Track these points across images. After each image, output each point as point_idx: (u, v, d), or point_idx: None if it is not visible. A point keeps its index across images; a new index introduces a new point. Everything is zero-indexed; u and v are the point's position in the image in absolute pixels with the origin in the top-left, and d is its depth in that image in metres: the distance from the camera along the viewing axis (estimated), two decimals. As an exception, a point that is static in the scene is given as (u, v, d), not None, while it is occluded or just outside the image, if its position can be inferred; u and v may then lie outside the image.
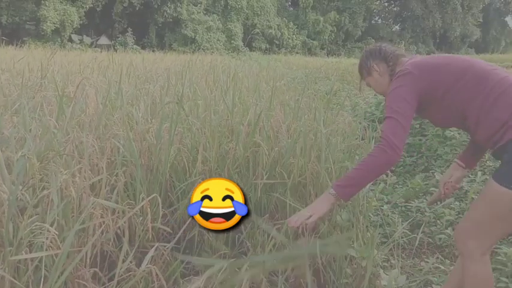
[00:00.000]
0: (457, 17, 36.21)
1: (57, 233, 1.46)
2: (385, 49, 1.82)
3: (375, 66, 1.82)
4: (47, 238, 1.44)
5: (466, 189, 2.88)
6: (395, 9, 40.52)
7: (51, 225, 1.52)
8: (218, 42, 26.53)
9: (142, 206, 1.78)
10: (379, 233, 2.58)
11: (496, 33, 42.71)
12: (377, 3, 38.26)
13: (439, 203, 2.70)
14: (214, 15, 27.36)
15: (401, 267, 2.27)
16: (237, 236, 2.20)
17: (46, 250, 1.43)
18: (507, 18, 45.37)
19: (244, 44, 27.75)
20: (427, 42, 36.83)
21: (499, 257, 2.12)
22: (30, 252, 1.45)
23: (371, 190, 3.11)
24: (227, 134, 2.78)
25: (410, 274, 2.24)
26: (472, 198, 2.75)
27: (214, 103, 3.37)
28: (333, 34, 32.39)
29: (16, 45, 13.86)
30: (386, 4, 41.43)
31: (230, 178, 2.27)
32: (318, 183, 2.46)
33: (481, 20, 39.18)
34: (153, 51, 18.22)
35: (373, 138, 3.73)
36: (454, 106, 1.57)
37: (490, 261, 1.59)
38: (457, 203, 2.81)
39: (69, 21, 22.11)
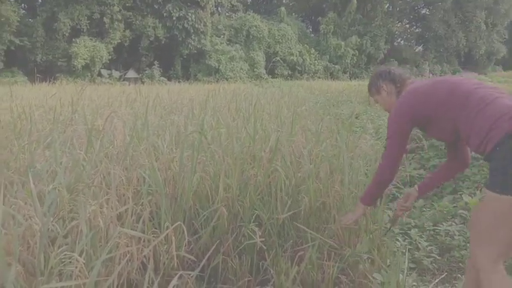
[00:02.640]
0: (481, 35, 35.72)
1: (85, 262, 1.51)
2: (394, 72, 2.06)
3: (384, 86, 2.05)
4: (75, 267, 1.50)
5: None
6: (417, 30, 40.42)
7: (80, 255, 1.57)
8: (241, 70, 27.03)
9: (167, 234, 1.83)
10: (408, 258, 2.51)
11: (523, 49, 41.80)
12: (398, 25, 38.30)
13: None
14: (237, 45, 27.99)
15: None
16: (260, 263, 2.20)
17: (75, 279, 1.48)
18: (535, 34, 44.46)
19: (266, 71, 28.17)
20: (452, 61, 36.34)
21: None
22: (60, 281, 1.50)
23: (397, 214, 3.06)
24: (249, 161, 2.82)
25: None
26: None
27: (237, 131, 3.43)
28: (354, 58, 32.46)
29: (49, 82, 14.56)
30: (407, 26, 41.42)
31: (252, 205, 2.29)
32: (342, 207, 2.45)
33: (506, 37, 38.51)
34: (179, 82, 18.77)
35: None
36: (447, 123, 1.76)
37: (503, 270, 1.59)
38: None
39: (98, 56, 23.11)
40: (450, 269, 2.48)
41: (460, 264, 2.52)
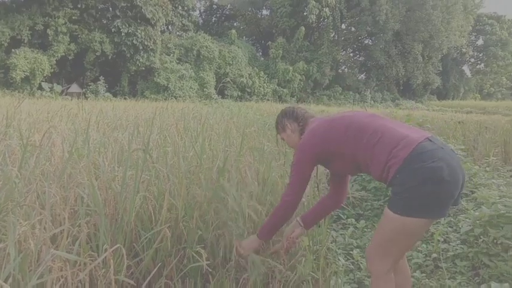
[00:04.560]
0: (418, 66, 38.29)
1: (11, 288, 1.39)
2: (297, 111, 2.20)
3: (288, 125, 2.19)
4: (-1, 295, 1.37)
5: (432, 231, 2.94)
6: (360, 59, 42.58)
7: (6, 281, 1.44)
8: (191, 90, 26.87)
9: (105, 257, 1.73)
10: (350, 279, 2.56)
11: (455, 81, 45.24)
12: (343, 53, 40.12)
13: None
14: (187, 64, 27.88)
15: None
16: (205, 286, 2.14)
17: (-2, 308, 1.35)
18: (464, 67, 48.47)
19: (216, 92, 28.24)
20: (392, 89, 38.57)
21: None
22: (-20, 310, 1.36)
23: (340, 235, 3.13)
24: (196, 180, 2.77)
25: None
26: (438, 240, 2.81)
27: (184, 149, 3.37)
28: (302, 82, 33.47)
29: (-18, 94, 13.58)
30: (351, 54, 43.55)
31: (197, 225, 2.24)
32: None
33: (440, 69, 41.58)
34: (125, 98, 18.27)
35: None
36: (347, 158, 1.86)
37: (393, 279, 1.82)
38: (424, 245, 2.85)
39: (39, 69, 21.96)
40: (390, 288, 2.55)
41: (399, 283, 2.60)
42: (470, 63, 49.65)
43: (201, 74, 28.04)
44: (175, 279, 2.09)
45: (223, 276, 2.12)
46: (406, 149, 1.65)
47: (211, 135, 4.36)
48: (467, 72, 49.04)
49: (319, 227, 2.75)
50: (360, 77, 40.78)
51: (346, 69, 41.67)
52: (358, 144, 1.79)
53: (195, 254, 2.10)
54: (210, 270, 2.11)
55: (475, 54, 48.94)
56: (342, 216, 3.55)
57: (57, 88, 23.31)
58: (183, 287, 2.06)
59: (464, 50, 44.56)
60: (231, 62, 29.86)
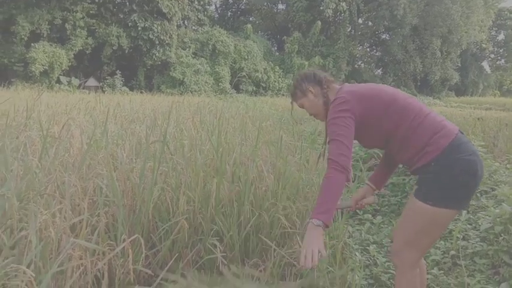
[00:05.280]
0: (436, 62, 37.63)
1: (33, 275, 1.41)
2: (319, 74, 1.98)
3: (310, 89, 1.96)
4: (22, 281, 1.39)
5: (451, 228, 2.89)
6: (377, 54, 42.03)
7: (28, 267, 1.47)
8: (206, 84, 26.94)
9: (124, 247, 1.75)
10: (367, 274, 2.54)
11: (474, 77, 44.37)
12: (359, 48, 39.68)
13: None
14: (203, 58, 27.93)
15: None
16: (219, 279, 2.15)
17: (20, 294, 1.38)
18: (483, 63, 47.47)
19: (231, 86, 28.25)
20: (409, 85, 38.01)
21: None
22: (4, 296, 1.39)
23: (357, 230, 3.11)
24: (212, 173, 2.78)
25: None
26: (457, 237, 2.76)
27: (200, 143, 3.39)
28: (318, 77, 33.24)
29: (3, 87, 13.86)
30: (368, 49, 43.01)
31: (213, 219, 2.24)
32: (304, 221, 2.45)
33: (459, 65, 40.80)
34: (141, 92, 18.41)
35: (358, 177, 3.77)
36: (380, 131, 1.78)
37: (418, 275, 1.77)
38: (442, 242, 2.81)
39: (58, 63, 22.28)
40: (407, 285, 2.52)
41: (416, 280, 2.57)
42: (490, 58, 48.60)
43: (217, 69, 28.06)
44: (191, 270, 2.11)
45: (239, 269, 2.13)
46: (446, 138, 1.64)
47: (227, 129, 4.37)
48: (487, 68, 48.02)
49: (335, 222, 2.73)
50: (376, 72, 40.29)
51: (362, 65, 41.22)
52: (401, 123, 1.71)
53: (210, 246, 2.10)
54: (226, 262, 2.12)
55: (495, 49, 47.85)
56: (358, 211, 3.52)
57: (75, 82, 23.62)
58: (200, 279, 2.07)
59: (484, 45, 43.56)
60: (246, 57, 29.80)
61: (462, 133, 1.71)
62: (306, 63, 32.19)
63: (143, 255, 1.85)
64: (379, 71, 40.69)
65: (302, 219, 2.50)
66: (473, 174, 1.62)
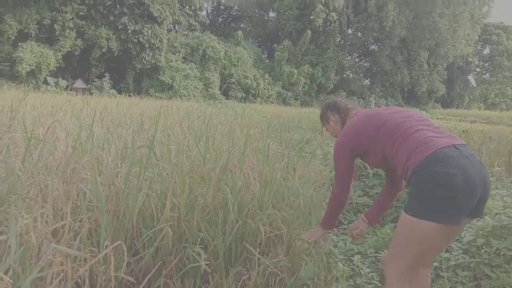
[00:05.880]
0: (423, 74, 38.18)
1: (11, 281, 1.38)
2: (339, 103, 2.31)
3: (331, 117, 2.31)
4: (-1, 287, 1.36)
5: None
6: (365, 64, 42.48)
7: (6, 273, 1.44)
8: (195, 89, 26.87)
9: (106, 253, 1.72)
10: (350, 285, 2.55)
11: (460, 90, 45.11)
12: (348, 58, 40.07)
13: None
14: (192, 63, 27.90)
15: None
16: (203, 286, 2.13)
17: (-3, 300, 1.34)
18: (469, 77, 48.31)
19: (221, 92, 28.24)
20: (396, 96, 38.46)
21: None
22: (-20, 302, 1.35)
23: (342, 240, 3.11)
24: (198, 180, 2.76)
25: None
26: (440, 249, 2.78)
27: (188, 148, 3.37)
28: (306, 86, 33.42)
29: (-12, 86, 13.61)
30: (357, 60, 43.46)
31: (198, 226, 2.23)
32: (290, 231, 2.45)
33: (445, 77, 41.46)
34: (130, 96, 18.28)
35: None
36: (376, 154, 1.96)
37: (407, 284, 1.81)
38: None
39: (45, 63, 21.99)
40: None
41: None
42: (475, 72, 49.50)
43: (206, 74, 28.05)
44: (174, 279, 2.08)
45: (223, 277, 2.11)
46: (424, 152, 1.71)
47: (215, 135, 4.35)
48: (473, 82, 48.89)
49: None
50: (364, 83, 40.70)
51: (351, 74, 41.58)
52: (387, 143, 1.89)
53: (194, 255, 2.08)
54: (210, 271, 2.10)
55: (481, 63, 48.80)
56: (343, 221, 3.53)
57: (62, 83, 23.35)
58: (182, 287, 2.05)
59: (470, 59, 44.38)
60: (236, 63, 29.87)
61: (457, 148, 1.70)
62: (295, 71, 32.40)
63: (125, 262, 1.82)
64: (367, 81, 41.13)
65: (287, 227, 2.50)
66: (449, 187, 1.61)
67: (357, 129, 2.04)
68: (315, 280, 2.20)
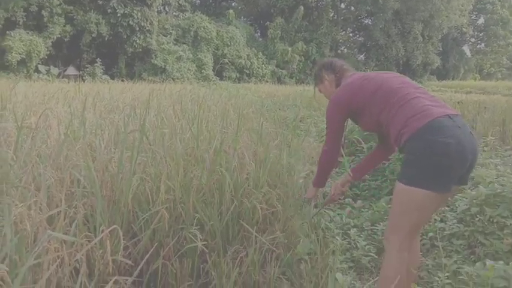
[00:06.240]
0: (418, 46, 37.93)
1: (7, 269, 1.39)
2: (335, 62, 2.28)
3: (325, 76, 2.27)
4: (-5, 275, 1.37)
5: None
6: (360, 39, 42.11)
7: (3, 261, 1.45)
8: (188, 71, 26.65)
9: (102, 238, 1.73)
10: (347, 258, 2.59)
11: (455, 61, 44.92)
12: (342, 33, 39.70)
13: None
14: (184, 45, 27.57)
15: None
16: (201, 266, 2.16)
17: (-5, 288, 1.36)
18: (464, 47, 48.03)
19: (214, 73, 28.02)
20: (391, 70, 38.03)
21: (461, 277, 2.16)
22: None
23: (338, 214, 3.14)
24: (193, 162, 2.76)
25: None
26: (435, 219, 2.82)
27: (181, 131, 3.36)
28: (301, 63, 33.19)
29: (-22, 77, 13.45)
30: (351, 35, 43.06)
31: (194, 207, 2.24)
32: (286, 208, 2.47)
33: (440, 49, 41.23)
34: (122, 81, 18.12)
35: (340, 162, 3.80)
36: (371, 116, 1.95)
37: (405, 261, 1.82)
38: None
39: (35, 51, 21.69)
40: (386, 267, 2.57)
41: (395, 262, 2.62)
42: (470, 43, 49.24)
43: (199, 55, 27.78)
44: (172, 259, 2.11)
45: (221, 256, 2.14)
46: (421, 120, 1.71)
47: (209, 117, 4.34)
48: (468, 52, 48.66)
49: (316, 207, 2.76)
50: (359, 58, 40.45)
51: (345, 50, 41.31)
52: (383, 108, 1.87)
53: (191, 236, 2.10)
54: (207, 250, 2.12)
55: (476, 33, 48.50)
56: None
57: (54, 71, 23.11)
58: (181, 267, 2.08)
59: (464, 29, 44.04)
60: (229, 43, 29.55)
61: (451, 118, 1.72)
62: (289, 49, 32.11)
63: (122, 245, 1.83)
64: (362, 56, 40.88)
65: (282, 205, 2.52)
66: (443, 155, 1.64)
67: (353, 88, 2.02)
68: (312, 255, 2.23)
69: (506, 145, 4.87)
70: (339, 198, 2.53)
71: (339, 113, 2.06)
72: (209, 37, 28.40)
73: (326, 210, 3.00)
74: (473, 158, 1.75)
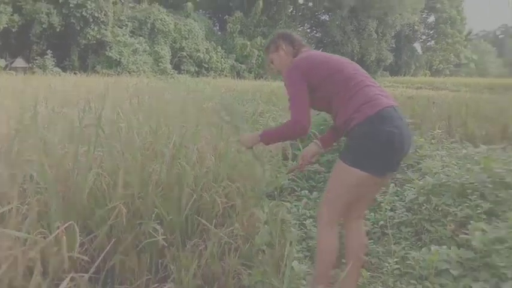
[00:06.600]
0: (372, 43, 39.17)
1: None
2: (294, 36, 2.21)
3: (283, 45, 2.15)
4: None
5: (380, 200, 3.10)
6: (317, 35, 42.88)
7: (-49, 262, 1.39)
8: (145, 64, 26.03)
9: (57, 235, 1.70)
10: (303, 247, 2.67)
11: (407, 58, 46.75)
12: (300, 29, 40.20)
13: None
14: (141, 37, 26.90)
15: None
16: (160, 260, 2.16)
17: None
18: (415, 45, 50.08)
19: (172, 67, 27.56)
20: (347, 65, 39.19)
21: (408, 261, 2.30)
22: None
23: (295, 206, 3.24)
24: (151, 156, 2.74)
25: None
26: (386, 208, 2.97)
27: (138, 125, 3.32)
28: (260, 58, 33.34)
29: None
30: (308, 31, 43.71)
31: (153, 202, 2.24)
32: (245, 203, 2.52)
33: (393, 46, 42.78)
34: (75, 73, 17.43)
35: (296, 156, 3.90)
36: (324, 94, 1.96)
37: (336, 235, 1.95)
38: (372, 214, 3.01)
39: (-20, 42, 20.45)
40: (340, 255, 2.69)
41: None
42: (421, 40, 51.34)
43: (156, 48, 27.20)
44: (131, 255, 2.10)
45: (180, 250, 2.15)
46: (373, 108, 1.80)
47: (167, 111, 4.30)
48: (419, 49, 50.75)
49: (274, 199, 2.83)
50: (317, 53, 41.06)
51: (303, 45, 41.76)
52: (340, 90, 1.90)
53: (151, 231, 2.10)
54: (166, 245, 2.13)
55: (426, 31, 50.61)
56: (296, 188, 3.65)
57: (1, 62, 21.85)
58: (139, 262, 2.07)
59: (416, 27, 45.91)
60: (187, 36, 29.14)
61: (396, 110, 1.85)
62: (248, 43, 32.14)
63: (78, 242, 1.81)
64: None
65: (242, 198, 2.56)
66: (388, 144, 1.78)
67: (314, 61, 2.00)
68: (270, 245, 2.29)
69: (451, 138, 5.17)
70: (306, 169, 2.44)
71: (301, 76, 1.96)
72: (166, 30, 27.86)
73: (284, 202, 3.07)
74: (408, 148, 1.89)
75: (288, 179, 3.66)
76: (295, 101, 1.96)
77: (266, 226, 2.44)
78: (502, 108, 7.86)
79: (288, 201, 3.24)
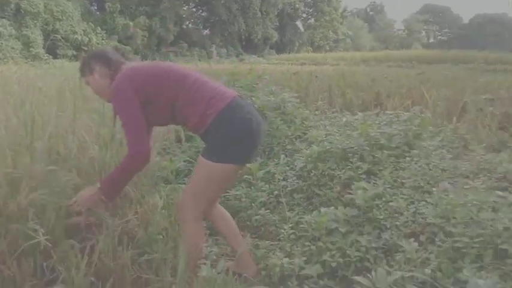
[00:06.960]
0: (257, 22, 40.05)
1: None
2: (110, 56, 2.01)
3: (97, 68, 1.97)
4: None
5: (273, 172, 3.22)
6: (203, 14, 42.34)
7: None
8: (12, 50, 23.05)
9: None
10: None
11: (290, 36, 48.88)
12: (185, 8, 39.29)
13: None
14: (4, 19, 23.72)
15: (223, 254, 2.39)
16: (45, 263, 1.97)
17: None
18: (297, 22, 52.51)
19: (46, 52, 24.91)
20: (235, 45, 39.69)
21: (302, 225, 2.44)
22: None
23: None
24: (24, 152, 2.45)
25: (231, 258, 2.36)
26: (279, 179, 3.10)
27: (6, 118, 2.94)
28: (145, 39, 31.89)
29: None
30: (194, 10, 42.93)
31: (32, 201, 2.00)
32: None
33: (277, 24, 44.33)
34: None
35: (190, 138, 3.84)
36: (164, 103, 1.88)
37: (202, 227, 2.03)
38: (267, 186, 3.11)
39: None
40: (240, 228, 2.74)
41: (248, 223, 2.82)
42: (302, 18, 53.98)
43: (24, 32, 24.26)
44: (9, 262, 1.87)
45: (67, 249, 1.97)
46: (224, 100, 1.84)
47: (41, 100, 3.88)
48: (301, 27, 53.33)
49: (171, 183, 2.76)
50: (204, 33, 40.80)
51: (190, 25, 41.09)
52: (180, 89, 1.86)
53: (30, 232, 1.89)
54: (51, 245, 1.94)
55: (306, 9, 53.32)
56: (192, 169, 3.61)
57: None
58: (19, 268, 1.86)
59: (297, 5, 48.03)
60: (60, 17, 26.50)
61: (241, 97, 1.95)
62: (131, 23, 30.52)
63: None
64: (207, 32, 41.30)
65: (134, 186, 2.44)
66: (248, 131, 1.85)
67: (145, 72, 1.91)
68: (168, 232, 2.24)
69: (333, 108, 5.57)
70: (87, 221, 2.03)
71: (133, 96, 1.80)
72: (35, 11, 24.97)
73: (181, 185, 3.01)
74: (263, 131, 2.00)
75: (184, 161, 3.60)
76: (130, 127, 1.80)
77: (163, 211, 2.38)
78: (374, 79, 8.70)
79: (185, 184, 3.18)
